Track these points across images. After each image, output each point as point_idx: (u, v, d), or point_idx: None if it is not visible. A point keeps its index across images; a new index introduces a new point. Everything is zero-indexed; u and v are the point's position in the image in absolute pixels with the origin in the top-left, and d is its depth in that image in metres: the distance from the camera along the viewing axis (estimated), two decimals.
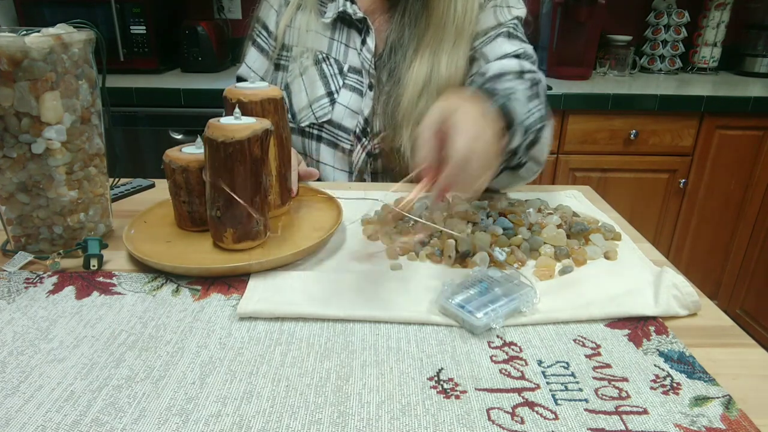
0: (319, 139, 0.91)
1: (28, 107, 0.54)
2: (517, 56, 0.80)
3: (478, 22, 0.84)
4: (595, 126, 1.73)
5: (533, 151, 0.68)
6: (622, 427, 0.39)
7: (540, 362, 0.45)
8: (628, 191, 1.82)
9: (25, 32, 0.55)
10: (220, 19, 2.15)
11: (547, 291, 0.55)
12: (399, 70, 0.85)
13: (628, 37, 2.07)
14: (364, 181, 0.92)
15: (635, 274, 0.57)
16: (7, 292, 0.55)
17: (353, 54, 0.89)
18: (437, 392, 0.42)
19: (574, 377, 0.44)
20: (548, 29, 1.98)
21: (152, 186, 0.84)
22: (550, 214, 0.67)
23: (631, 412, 0.40)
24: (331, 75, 0.89)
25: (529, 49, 0.83)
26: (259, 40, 0.94)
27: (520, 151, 0.64)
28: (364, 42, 0.87)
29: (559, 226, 0.64)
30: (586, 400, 0.41)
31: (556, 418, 0.39)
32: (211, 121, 0.57)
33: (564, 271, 0.58)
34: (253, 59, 0.95)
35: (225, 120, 0.58)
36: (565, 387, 0.43)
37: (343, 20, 0.89)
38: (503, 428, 0.38)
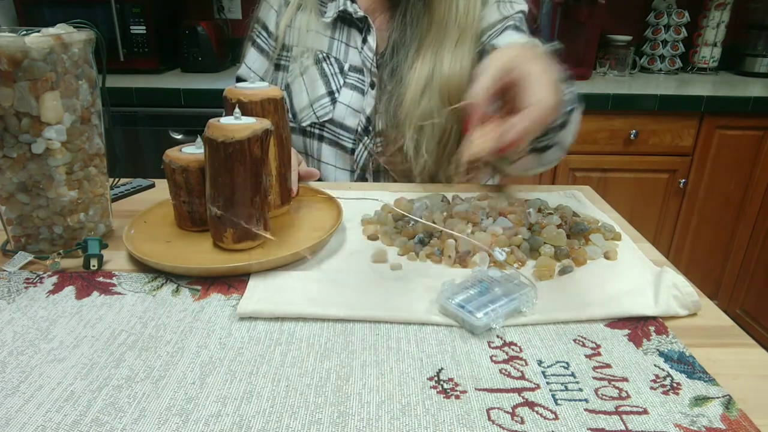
0: (321, 138, 0.91)
1: (28, 107, 0.54)
2: None
3: (483, 19, 0.84)
4: (595, 126, 1.73)
5: (561, 133, 0.67)
6: (622, 427, 0.39)
7: (540, 362, 0.45)
8: (628, 191, 1.82)
9: (25, 32, 0.55)
10: (220, 19, 2.15)
11: (547, 291, 0.55)
12: (401, 69, 0.85)
13: (628, 37, 2.07)
14: (366, 180, 0.92)
15: (635, 274, 0.57)
16: (7, 292, 0.55)
17: (354, 53, 0.89)
18: (437, 392, 0.42)
19: (574, 377, 0.44)
20: (548, 29, 1.98)
21: (152, 186, 0.84)
22: (550, 214, 0.67)
23: (631, 412, 0.40)
24: (332, 74, 0.89)
25: (537, 42, 0.82)
26: (258, 40, 0.94)
27: (551, 131, 0.62)
28: (365, 41, 0.87)
29: (559, 226, 0.64)
30: (586, 400, 0.41)
31: (556, 418, 0.39)
32: (211, 121, 0.57)
33: (564, 271, 0.58)
34: (253, 60, 0.95)
35: (225, 120, 0.58)
36: (565, 387, 0.43)
37: (344, 19, 0.89)
38: (503, 428, 0.38)
